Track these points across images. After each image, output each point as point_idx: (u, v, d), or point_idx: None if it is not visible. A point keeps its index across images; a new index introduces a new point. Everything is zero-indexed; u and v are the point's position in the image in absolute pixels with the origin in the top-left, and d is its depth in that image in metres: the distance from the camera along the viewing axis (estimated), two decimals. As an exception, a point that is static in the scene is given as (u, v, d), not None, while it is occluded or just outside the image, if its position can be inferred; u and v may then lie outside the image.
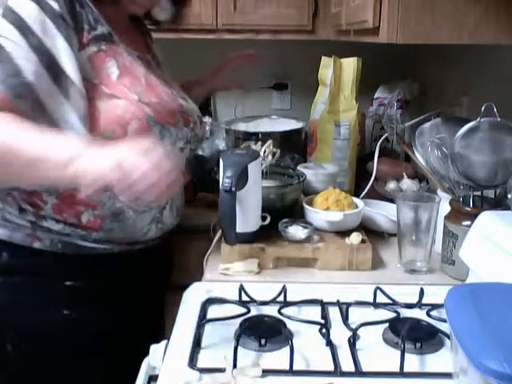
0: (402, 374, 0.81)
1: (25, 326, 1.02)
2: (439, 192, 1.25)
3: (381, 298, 1.01)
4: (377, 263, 1.22)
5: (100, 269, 1.04)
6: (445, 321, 0.86)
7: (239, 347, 0.82)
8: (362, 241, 1.22)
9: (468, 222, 1.07)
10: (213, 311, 1.00)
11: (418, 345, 0.87)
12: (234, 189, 1.12)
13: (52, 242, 0.99)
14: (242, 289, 1.02)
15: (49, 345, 1.03)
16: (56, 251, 1.00)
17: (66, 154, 0.82)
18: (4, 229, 0.98)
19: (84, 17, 0.95)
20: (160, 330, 1.20)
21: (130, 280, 1.10)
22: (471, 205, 1.14)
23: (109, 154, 0.80)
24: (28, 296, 1.00)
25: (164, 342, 0.90)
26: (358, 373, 0.82)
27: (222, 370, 0.80)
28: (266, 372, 0.80)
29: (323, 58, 1.64)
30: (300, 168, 1.51)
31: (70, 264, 1.02)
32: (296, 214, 1.32)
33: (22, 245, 0.99)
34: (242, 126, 1.79)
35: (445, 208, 1.16)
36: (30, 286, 1.00)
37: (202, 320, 0.95)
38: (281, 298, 1.01)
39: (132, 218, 1.04)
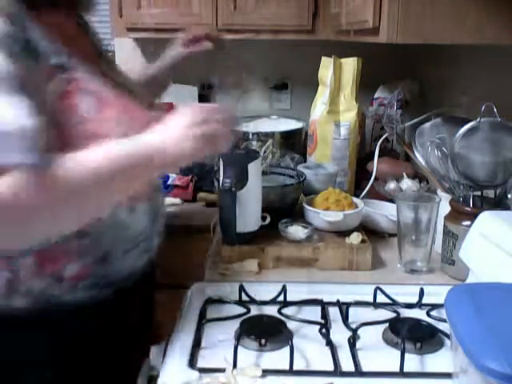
0: (402, 374, 0.81)
1: None
2: (439, 192, 1.25)
3: (381, 298, 1.01)
4: (377, 263, 1.22)
5: (88, 320, 0.92)
6: (445, 321, 0.86)
7: (239, 347, 0.82)
8: (362, 241, 1.22)
9: (468, 222, 1.07)
10: (213, 311, 1.00)
11: (418, 345, 0.87)
12: (234, 189, 1.12)
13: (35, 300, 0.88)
14: (242, 289, 1.02)
15: None
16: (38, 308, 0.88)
17: (144, 152, 0.82)
18: None
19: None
20: (159, 331, 1.19)
21: (121, 315, 0.99)
22: (471, 205, 1.14)
23: (173, 132, 0.83)
24: (6, 355, 0.89)
25: (164, 342, 0.90)
26: (358, 373, 0.82)
27: (221, 370, 0.80)
28: (266, 372, 0.80)
29: (323, 58, 1.64)
30: (300, 168, 1.51)
31: (55, 318, 0.89)
32: (296, 214, 1.33)
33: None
34: (242, 126, 1.79)
35: (445, 208, 1.16)
36: (9, 344, 0.88)
37: (202, 320, 0.95)
38: (281, 298, 1.01)
39: (121, 259, 0.93)
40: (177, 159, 0.85)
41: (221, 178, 1.16)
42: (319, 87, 1.67)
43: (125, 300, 0.97)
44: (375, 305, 1.01)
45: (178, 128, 0.84)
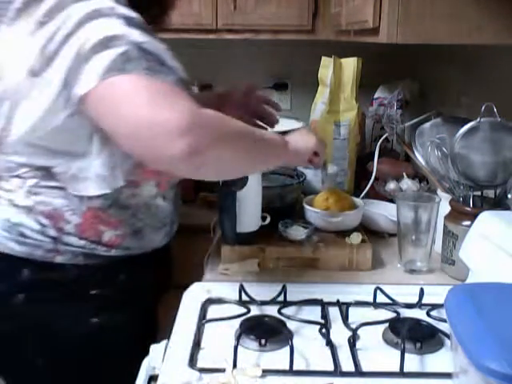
0: (402, 374, 0.81)
1: (53, 339, 1.01)
2: (439, 192, 1.25)
3: (381, 298, 1.01)
4: (377, 263, 1.22)
5: (121, 274, 1.05)
6: (445, 321, 0.86)
7: (239, 347, 0.82)
8: (362, 241, 1.22)
9: (468, 222, 1.07)
10: (213, 311, 1.00)
11: (418, 345, 0.87)
12: (234, 189, 1.12)
13: (73, 254, 0.99)
14: (242, 289, 1.02)
15: (78, 355, 1.02)
16: (77, 263, 0.99)
17: (278, 137, 1.02)
18: (23, 246, 0.97)
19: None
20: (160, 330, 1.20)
21: (147, 281, 1.11)
22: (471, 205, 1.14)
23: (297, 137, 1.09)
24: (52, 310, 1.00)
25: (164, 342, 0.90)
26: (358, 373, 0.82)
27: (221, 370, 0.80)
28: (266, 372, 0.80)
29: (323, 58, 1.64)
30: (300, 168, 1.51)
31: (93, 274, 1.01)
32: (296, 214, 1.33)
33: (43, 261, 0.98)
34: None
35: (445, 208, 1.16)
36: (53, 300, 1.00)
37: (202, 320, 0.95)
38: (281, 298, 1.01)
39: (149, 235, 1.05)
40: (295, 158, 1.08)
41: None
42: (319, 87, 1.67)
43: (150, 260, 1.09)
44: (375, 305, 1.01)
45: (304, 139, 1.11)
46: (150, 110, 0.76)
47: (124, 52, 0.79)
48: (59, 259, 0.98)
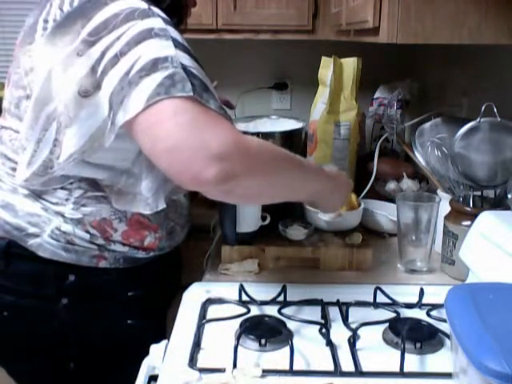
0: (402, 374, 0.81)
1: (89, 342, 1.03)
2: (439, 192, 1.25)
3: (381, 298, 1.01)
4: (377, 263, 1.22)
5: (154, 276, 1.08)
6: (445, 321, 0.86)
7: (239, 347, 0.82)
8: (362, 241, 1.22)
9: (468, 222, 1.07)
10: (213, 311, 1.00)
11: (418, 345, 0.87)
12: (234, 189, 1.12)
13: (115, 258, 1.02)
14: (242, 289, 1.02)
15: (111, 356, 1.04)
16: (118, 267, 1.02)
17: (315, 169, 1.02)
18: (71, 253, 0.99)
19: None
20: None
21: (174, 282, 1.17)
22: (471, 205, 1.14)
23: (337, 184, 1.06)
24: (93, 313, 1.02)
25: (164, 342, 0.90)
26: (358, 373, 0.82)
27: (221, 370, 0.80)
28: (266, 372, 0.80)
29: (323, 58, 1.64)
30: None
31: (131, 276, 1.05)
32: (296, 214, 1.32)
33: (88, 266, 1.00)
34: (242, 126, 1.79)
35: (445, 208, 1.16)
36: (95, 303, 1.02)
37: (202, 320, 0.95)
38: (281, 298, 1.01)
39: (179, 234, 1.11)
40: (329, 190, 1.03)
41: (221, 178, 1.16)
42: (319, 87, 1.67)
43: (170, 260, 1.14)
44: (375, 305, 1.01)
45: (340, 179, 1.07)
46: (192, 131, 0.75)
47: (171, 74, 0.78)
48: (103, 264, 1.01)
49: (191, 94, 0.78)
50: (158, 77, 0.78)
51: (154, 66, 0.79)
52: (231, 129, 0.79)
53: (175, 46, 0.82)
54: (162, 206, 1.00)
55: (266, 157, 0.84)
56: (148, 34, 0.81)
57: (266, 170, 0.84)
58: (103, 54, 0.83)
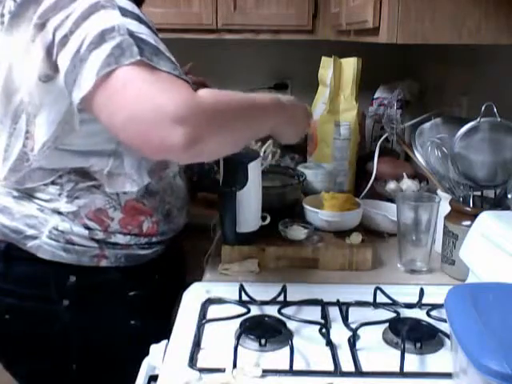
0: (402, 374, 0.81)
1: (91, 343, 1.03)
2: (439, 192, 1.25)
3: (381, 298, 1.01)
4: (377, 263, 1.22)
5: (156, 274, 1.09)
6: (445, 321, 0.86)
7: (239, 347, 0.82)
8: (362, 241, 1.22)
9: (468, 222, 1.07)
10: (213, 311, 1.00)
11: (418, 345, 0.87)
12: (234, 189, 1.12)
13: (116, 257, 1.02)
14: (242, 289, 1.02)
15: (113, 356, 1.04)
16: (119, 265, 1.02)
17: (271, 98, 0.98)
18: (71, 254, 0.99)
19: None
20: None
21: (177, 281, 1.16)
22: (471, 205, 1.14)
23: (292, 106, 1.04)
24: (94, 314, 1.02)
25: (164, 342, 0.90)
26: (358, 373, 0.82)
27: (221, 370, 0.80)
28: (266, 372, 0.80)
29: (323, 58, 1.64)
30: (300, 168, 1.51)
31: (132, 276, 1.04)
32: (296, 214, 1.32)
33: (89, 266, 1.00)
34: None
35: (445, 208, 1.16)
36: (97, 304, 1.02)
37: (202, 320, 0.95)
38: (281, 298, 1.01)
39: (176, 217, 1.10)
40: (287, 120, 1.02)
41: (221, 178, 1.16)
42: (319, 87, 1.67)
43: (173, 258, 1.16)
44: (375, 305, 1.01)
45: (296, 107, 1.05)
46: (144, 98, 0.74)
47: (119, 43, 0.77)
48: (104, 263, 1.00)
49: (138, 57, 0.76)
50: (106, 47, 0.77)
51: (101, 38, 0.78)
52: (186, 89, 0.76)
53: (122, 15, 0.81)
54: (146, 180, 0.99)
55: (225, 110, 0.82)
56: (94, 8, 0.80)
57: (228, 123, 0.82)
58: (54, 35, 0.82)
